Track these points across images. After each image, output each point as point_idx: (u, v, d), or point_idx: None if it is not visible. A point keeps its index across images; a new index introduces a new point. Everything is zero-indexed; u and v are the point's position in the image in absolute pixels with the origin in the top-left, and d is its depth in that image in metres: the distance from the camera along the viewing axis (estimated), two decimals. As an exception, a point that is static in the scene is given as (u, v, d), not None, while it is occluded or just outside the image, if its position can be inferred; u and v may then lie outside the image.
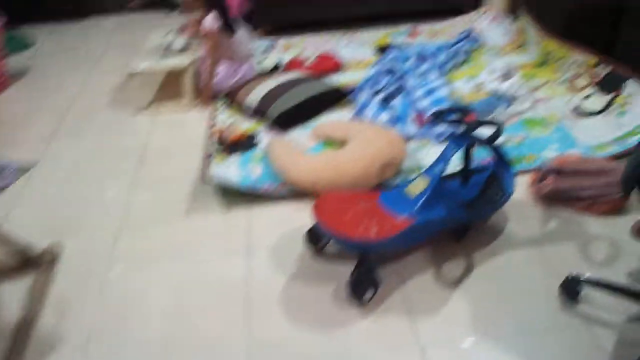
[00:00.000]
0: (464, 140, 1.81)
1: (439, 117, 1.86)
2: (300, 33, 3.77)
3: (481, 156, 2.31)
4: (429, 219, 1.73)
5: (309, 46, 3.54)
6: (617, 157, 2.29)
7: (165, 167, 2.46)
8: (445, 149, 1.82)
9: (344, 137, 2.40)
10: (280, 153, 2.28)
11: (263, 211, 2.13)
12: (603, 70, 2.66)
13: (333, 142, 2.44)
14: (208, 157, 2.39)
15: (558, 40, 2.90)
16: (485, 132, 1.77)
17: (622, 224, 1.97)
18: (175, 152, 2.57)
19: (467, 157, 1.91)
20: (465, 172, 1.97)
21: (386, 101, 2.69)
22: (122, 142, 2.69)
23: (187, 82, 2.91)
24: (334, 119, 2.66)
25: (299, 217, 2.04)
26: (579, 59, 2.80)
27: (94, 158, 2.59)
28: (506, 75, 2.79)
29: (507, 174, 1.96)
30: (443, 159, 1.80)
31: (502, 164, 1.97)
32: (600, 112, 2.57)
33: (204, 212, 2.15)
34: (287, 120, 2.61)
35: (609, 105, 2.57)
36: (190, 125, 2.79)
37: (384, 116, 2.57)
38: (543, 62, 3.04)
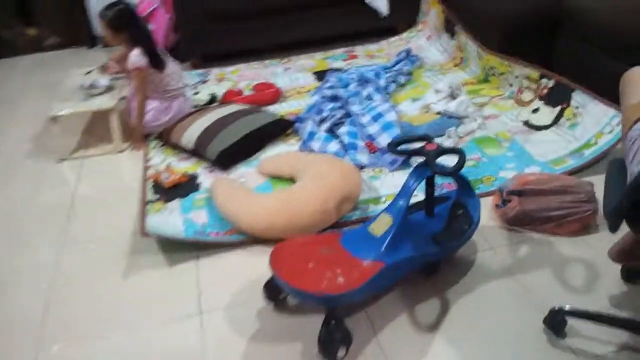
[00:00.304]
0: (426, 171, 1.67)
1: (396, 147, 1.73)
2: (234, 62, 3.59)
3: (440, 182, 2.20)
4: (398, 260, 1.58)
5: (244, 76, 3.37)
6: (575, 171, 2.24)
7: (97, 221, 2.19)
8: (407, 181, 1.68)
9: (292, 171, 2.23)
10: (226, 195, 2.08)
11: (213, 263, 1.91)
12: (548, 83, 2.63)
13: (282, 178, 2.27)
14: (145, 206, 2.15)
15: (499, 55, 2.86)
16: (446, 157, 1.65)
17: (593, 243, 1.89)
18: (108, 203, 2.30)
19: (429, 186, 1.77)
20: (429, 202, 1.83)
21: (333, 130, 2.55)
22: (47, 195, 2.40)
23: (115, 124, 2.66)
24: (279, 153, 2.48)
25: (254, 266, 1.84)
26: (522, 73, 2.76)
27: (15, 215, 2.29)
28: (453, 95, 2.71)
29: (472, 201, 1.84)
30: (405, 193, 1.66)
31: (465, 191, 1.85)
32: (550, 125, 2.53)
33: (145, 270, 1.91)
34: (229, 158, 2.42)
35: (558, 118, 2.53)
36: (122, 171, 2.54)
37: (333, 146, 2.42)
38: (485, 78, 3.00)
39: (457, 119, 2.59)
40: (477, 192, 2.07)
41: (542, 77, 2.66)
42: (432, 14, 3.50)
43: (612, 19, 2.48)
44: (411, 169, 1.70)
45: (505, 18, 2.81)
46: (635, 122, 1.40)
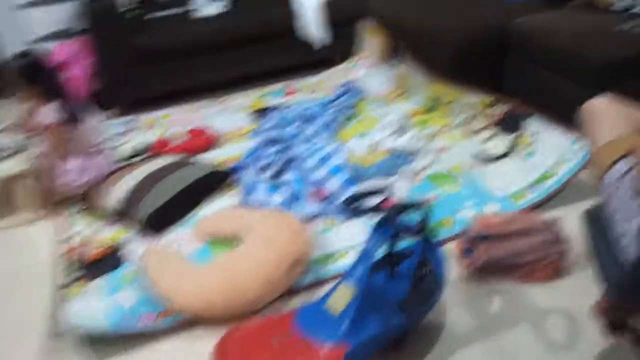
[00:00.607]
0: (388, 230, 1.46)
1: (353, 203, 1.51)
2: (164, 106, 3.31)
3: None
4: (363, 340, 1.35)
5: (176, 121, 3.09)
6: (538, 205, 2.09)
7: (1, 313, 1.86)
8: (367, 244, 1.46)
9: (234, 231, 1.98)
10: (158, 269, 1.80)
11: (145, 355, 1.62)
12: (500, 110, 2.49)
13: (223, 240, 2.01)
14: (61, 290, 1.84)
15: (445, 82, 2.72)
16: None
17: (569, 289, 1.73)
18: (15, 288, 1.96)
19: (391, 247, 1.56)
20: (391, 262, 1.62)
21: (276, 178, 2.32)
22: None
23: (27, 189, 2.33)
24: (218, 210, 2.22)
25: (196, 356, 1.57)
26: (471, 100, 2.63)
27: None
28: (401, 129, 2.54)
29: (437, 256, 1.64)
30: (366, 258, 1.44)
31: (429, 245, 1.65)
32: (506, 154, 2.39)
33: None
34: (162, 221, 2.14)
35: (514, 146, 2.39)
36: (33, 244, 2.20)
37: (277, 197, 2.19)
38: (432, 107, 2.85)
39: (408, 155, 2.42)
40: (438, 238, 1.89)
41: (494, 103, 2.53)
42: (371, 43, 3.35)
43: (558, 40, 2.38)
44: (366, 219, 1.49)
45: (452, 42, 2.68)
46: (612, 165, 1.24)
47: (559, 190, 2.10)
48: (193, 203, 2.25)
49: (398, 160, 2.37)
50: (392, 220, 1.43)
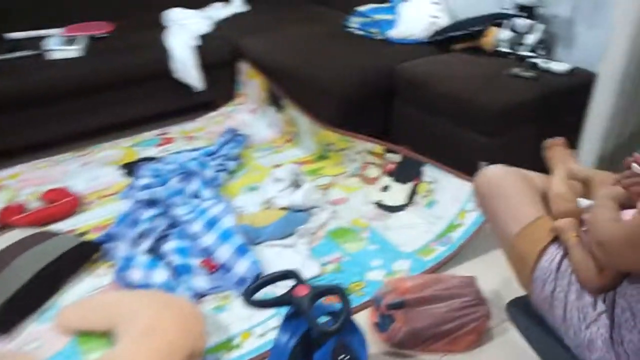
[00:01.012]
0: (301, 324, 1.22)
1: (252, 295, 1.26)
2: (13, 163, 2.79)
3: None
4: None
5: (28, 180, 2.61)
6: (448, 260, 1.97)
7: None
8: (279, 339, 1.21)
9: (108, 323, 1.62)
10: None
11: None
12: (394, 158, 2.38)
13: (92, 335, 1.64)
14: None
15: (335, 130, 2.56)
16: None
17: (493, 355, 1.60)
18: None
19: (304, 341, 1.32)
20: (306, 349, 1.38)
21: (156, 249, 1.98)
22: None
23: None
24: (85, 295, 1.84)
25: None
26: (364, 147, 2.49)
27: None
28: (295, 183, 2.33)
29: (355, 337, 1.43)
30: (279, 356, 1.19)
31: (347, 326, 1.44)
32: (405, 205, 2.27)
33: None
34: (11, 317, 1.71)
35: (412, 195, 2.28)
36: None
37: (160, 274, 1.85)
38: (323, 155, 2.68)
39: (305, 211, 2.21)
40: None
41: (387, 151, 2.41)
42: (252, 85, 3.13)
43: (449, 85, 2.33)
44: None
45: (334, 89, 2.53)
46: (538, 257, 1.10)
47: (469, 242, 2.00)
48: (53, 288, 1.84)
49: (295, 218, 2.15)
50: (307, 314, 1.19)
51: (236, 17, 3.44)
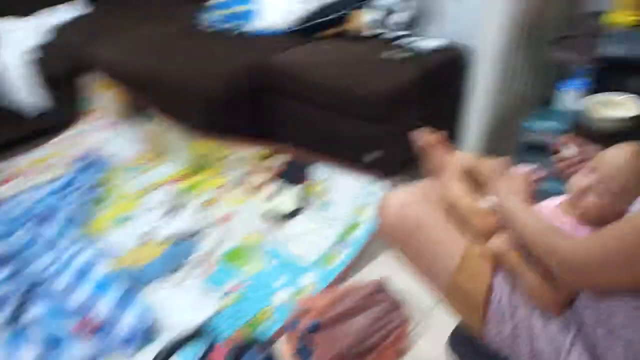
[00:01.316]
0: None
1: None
2: None
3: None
4: None
5: None
6: (354, 263, 1.85)
7: None
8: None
9: None
10: None
11: None
12: (279, 160, 2.20)
13: None
14: None
15: (208, 137, 2.31)
16: None
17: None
18: None
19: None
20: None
21: (17, 319, 1.63)
22: None
23: None
24: None
25: None
26: (244, 153, 2.28)
27: None
28: (174, 208, 2.07)
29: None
30: None
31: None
32: (298, 210, 2.11)
33: None
34: None
35: (304, 198, 2.12)
36: None
37: (27, 350, 1.51)
38: (199, 168, 2.42)
39: (192, 237, 1.96)
40: (262, 340, 1.50)
41: (271, 153, 2.22)
42: (104, 99, 2.75)
43: (325, 75, 2.17)
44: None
45: (206, 91, 2.27)
46: (486, 297, 0.97)
47: (373, 240, 1.89)
48: None
49: (181, 248, 1.90)
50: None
51: (78, 20, 2.98)
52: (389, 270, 1.68)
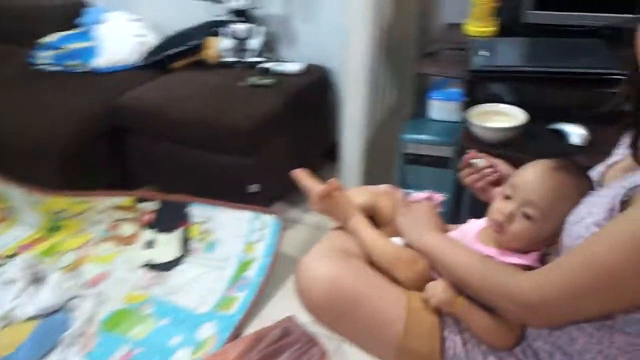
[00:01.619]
0: None
1: None
2: None
3: None
4: None
5: None
6: (254, 304, 1.74)
7: None
8: None
9: None
10: None
11: None
12: (150, 206, 2.01)
13: None
14: None
15: (62, 192, 2.04)
16: None
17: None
18: None
19: None
20: None
21: None
22: None
23: None
24: None
25: None
26: (107, 204, 2.05)
27: None
28: (34, 277, 1.78)
29: None
30: None
31: None
32: (181, 257, 1.94)
33: None
34: None
35: (185, 243, 1.96)
36: None
37: None
38: (54, 227, 2.12)
39: (61, 310, 1.69)
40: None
41: (138, 200, 2.02)
42: None
43: (182, 110, 2.04)
44: None
45: (50, 143, 1.99)
46: (442, 341, 0.91)
47: (269, 277, 1.79)
48: None
49: (51, 324, 1.63)
50: None
51: None
52: (290, 305, 1.59)
